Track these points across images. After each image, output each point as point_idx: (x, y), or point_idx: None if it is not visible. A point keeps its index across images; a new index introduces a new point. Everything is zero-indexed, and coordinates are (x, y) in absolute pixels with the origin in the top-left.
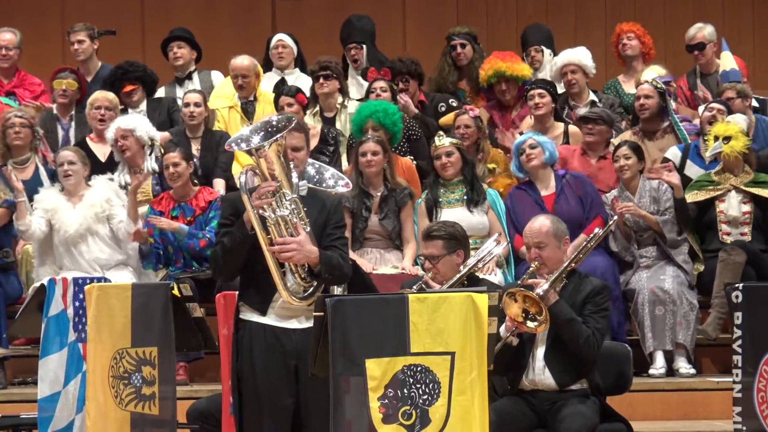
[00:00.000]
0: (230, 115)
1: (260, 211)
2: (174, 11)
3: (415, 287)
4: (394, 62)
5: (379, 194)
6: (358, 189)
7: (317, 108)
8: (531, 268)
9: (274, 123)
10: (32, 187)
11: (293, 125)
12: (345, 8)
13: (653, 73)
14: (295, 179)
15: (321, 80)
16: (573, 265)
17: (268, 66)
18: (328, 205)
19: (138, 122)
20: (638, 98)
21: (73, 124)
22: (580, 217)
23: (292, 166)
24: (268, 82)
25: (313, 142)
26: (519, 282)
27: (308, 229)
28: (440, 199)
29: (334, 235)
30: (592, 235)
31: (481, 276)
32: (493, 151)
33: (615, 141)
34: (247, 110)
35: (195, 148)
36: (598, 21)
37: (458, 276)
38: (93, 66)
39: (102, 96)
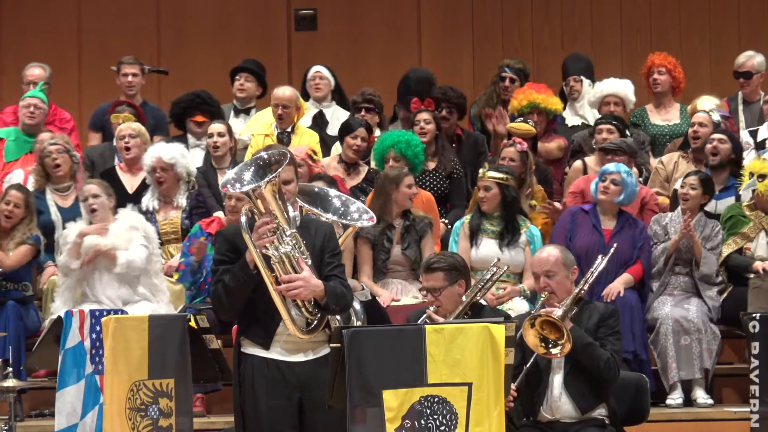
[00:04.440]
0: (264, 144)
1: (263, 250)
2: (189, 42)
3: (419, 321)
4: (444, 90)
5: (400, 225)
6: (380, 220)
7: None
8: (542, 298)
9: (266, 158)
10: (72, 216)
11: (288, 160)
12: (360, 39)
13: (710, 103)
14: (291, 213)
15: (363, 112)
16: (583, 291)
17: (304, 98)
18: (320, 232)
19: (180, 157)
20: (693, 125)
21: None
22: (629, 257)
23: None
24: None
25: (359, 179)
26: (533, 312)
27: (310, 262)
28: (481, 227)
29: (332, 263)
30: (597, 262)
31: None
32: (536, 187)
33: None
34: (282, 141)
35: (221, 180)
36: (614, 51)
37: (462, 307)
38: (136, 101)
39: (126, 126)
